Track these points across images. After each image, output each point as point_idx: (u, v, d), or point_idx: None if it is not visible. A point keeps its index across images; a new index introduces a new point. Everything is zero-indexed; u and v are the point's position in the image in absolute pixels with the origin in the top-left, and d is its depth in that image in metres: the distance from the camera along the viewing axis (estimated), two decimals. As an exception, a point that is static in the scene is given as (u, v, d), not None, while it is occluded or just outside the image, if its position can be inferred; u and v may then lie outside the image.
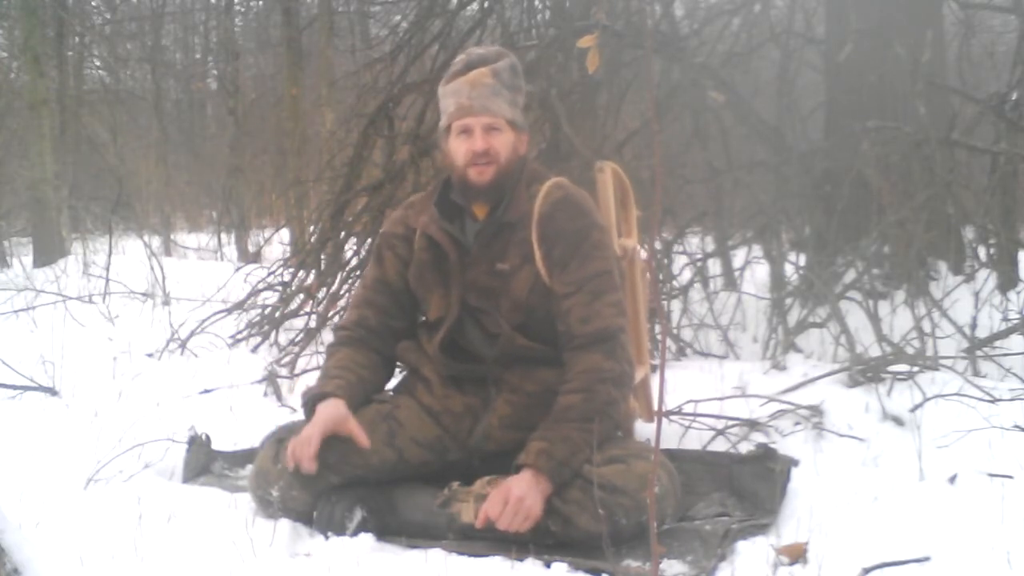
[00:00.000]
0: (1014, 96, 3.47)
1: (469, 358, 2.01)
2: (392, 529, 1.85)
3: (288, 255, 4.94)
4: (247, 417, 2.64)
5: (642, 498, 1.72)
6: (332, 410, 1.88)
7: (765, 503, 1.91)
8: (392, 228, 2.12)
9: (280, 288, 3.93)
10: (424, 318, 2.10)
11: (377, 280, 2.10)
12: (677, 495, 1.81)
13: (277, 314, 3.72)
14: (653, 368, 2.35)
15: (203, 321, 3.67)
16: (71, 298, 4.33)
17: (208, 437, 2.26)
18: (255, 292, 3.97)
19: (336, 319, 3.80)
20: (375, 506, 1.87)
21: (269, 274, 4.04)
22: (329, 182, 4.57)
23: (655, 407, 2.35)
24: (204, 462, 2.23)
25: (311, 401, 1.93)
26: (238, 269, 4.71)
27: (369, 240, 3.85)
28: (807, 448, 2.26)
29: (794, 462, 2.03)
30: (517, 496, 1.73)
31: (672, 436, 2.36)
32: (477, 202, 1.99)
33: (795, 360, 2.97)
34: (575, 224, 1.95)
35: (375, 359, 2.06)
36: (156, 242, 7.67)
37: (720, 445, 2.32)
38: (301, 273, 3.93)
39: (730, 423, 2.40)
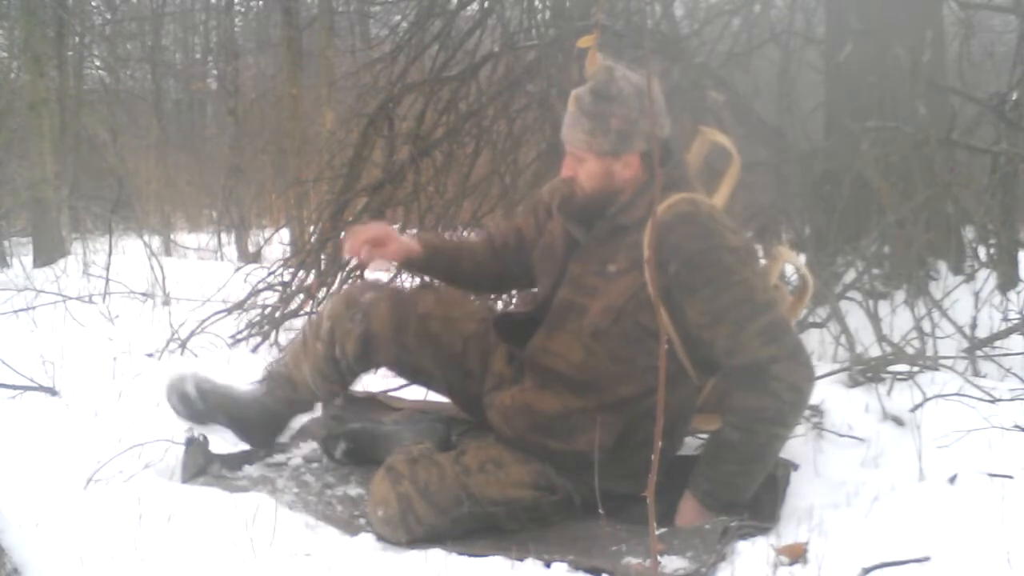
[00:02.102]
0: (1014, 96, 3.46)
1: (514, 340, 2.04)
2: (372, 460, 2.09)
3: (288, 255, 4.94)
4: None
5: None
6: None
7: (765, 508, 1.92)
8: (548, 195, 2.15)
9: (280, 288, 3.92)
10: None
11: (517, 229, 2.25)
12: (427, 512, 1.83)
13: (277, 314, 3.71)
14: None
15: (203, 321, 3.66)
16: (71, 298, 4.31)
17: (205, 438, 2.25)
18: (255, 292, 3.96)
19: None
20: (360, 439, 2.19)
21: (269, 274, 4.02)
22: (329, 182, 4.57)
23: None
24: (202, 464, 2.22)
25: None
26: (238, 269, 4.69)
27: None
28: (807, 448, 2.25)
29: (793, 466, 2.03)
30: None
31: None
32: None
33: (795, 360, 2.97)
34: (699, 245, 1.83)
35: (486, 263, 2.25)
36: (156, 242, 7.66)
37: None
38: (301, 273, 3.92)
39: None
